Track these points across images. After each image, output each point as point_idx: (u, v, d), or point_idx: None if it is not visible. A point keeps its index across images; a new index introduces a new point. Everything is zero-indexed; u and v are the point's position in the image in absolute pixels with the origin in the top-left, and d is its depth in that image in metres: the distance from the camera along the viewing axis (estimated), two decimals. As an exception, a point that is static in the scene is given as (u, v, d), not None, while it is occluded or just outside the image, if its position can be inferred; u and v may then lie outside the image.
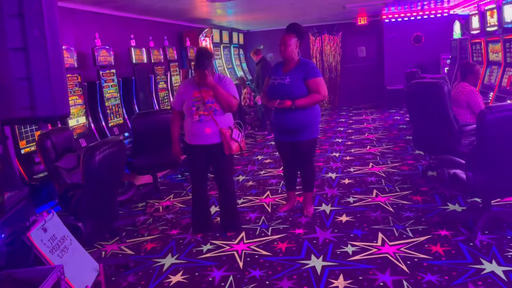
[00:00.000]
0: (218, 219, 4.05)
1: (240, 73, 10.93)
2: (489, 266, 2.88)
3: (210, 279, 3.03)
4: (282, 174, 4.26)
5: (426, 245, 3.26)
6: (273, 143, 6.12)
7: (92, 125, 5.01)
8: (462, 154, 3.73)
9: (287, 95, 3.64)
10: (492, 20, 6.26)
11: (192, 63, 3.52)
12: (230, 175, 3.79)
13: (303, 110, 3.68)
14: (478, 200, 3.96)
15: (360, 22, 10.53)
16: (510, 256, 2.99)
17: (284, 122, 3.76)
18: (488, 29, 6.46)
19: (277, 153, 4.19)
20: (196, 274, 3.11)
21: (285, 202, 4.31)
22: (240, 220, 3.92)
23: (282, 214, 4.10)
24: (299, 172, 4.12)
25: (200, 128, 3.53)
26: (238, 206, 4.05)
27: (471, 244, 3.22)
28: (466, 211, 3.89)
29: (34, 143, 3.87)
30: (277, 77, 3.76)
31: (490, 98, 5.81)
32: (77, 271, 2.17)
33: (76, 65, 4.74)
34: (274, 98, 3.71)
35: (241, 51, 11.87)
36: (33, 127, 4.01)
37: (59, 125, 4.16)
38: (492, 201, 3.54)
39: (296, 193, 4.31)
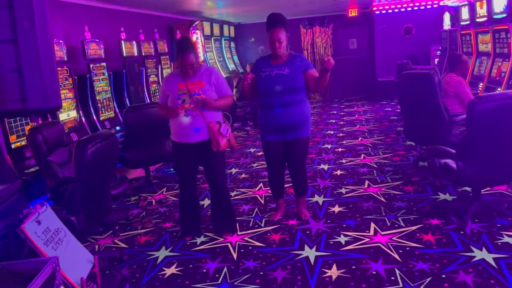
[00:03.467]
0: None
1: (231, 66, 10.89)
2: (479, 254, 2.93)
3: (204, 271, 3.04)
4: (268, 181, 3.89)
5: (418, 234, 3.30)
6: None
7: (83, 119, 4.98)
8: (452, 144, 3.77)
9: (288, 85, 3.43)
10: (481, 11, 6.30)
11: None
12: (223, 173, 3.55)
13: (299, 107, 3.50)
14: (468, 189, 4.00)
15: (351, 14, 10.55)
16: (500, 244, 3.04)
17: (279, 118, 3.47)
18: (477, 20, 6.51)
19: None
20: (190, 266, 3.13)
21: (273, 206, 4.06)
22: (235, 219, 3.69)
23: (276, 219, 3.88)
24: (290, 177, 3.82)
25: (189, 125, 3.30)
26: (231, 199, 3.96)
27: (461, 232, 3.26)
28: (457, 200, 3.94)
29: (25, 138, 3.84)
30: (272, 69, 3.50)
31: (480, 89, 5.87)
32: (72, 263, 2.17)
33: (65, 59, 4.70)
34: (272, 89, 3.45)
35: (232, 44, 11.82)
36: (23, 122, 3.97)
37: (50, 119, 4.13)
38: (482, 190, 3.59)
39: (286, 186, 4.22)
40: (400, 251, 3.07)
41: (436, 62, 9.10)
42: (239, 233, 3.61)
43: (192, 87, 3.29)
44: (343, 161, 5.50)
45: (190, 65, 3.25)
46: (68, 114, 4.72)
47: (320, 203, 4.12)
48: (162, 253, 3.36)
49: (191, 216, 3.60)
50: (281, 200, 3.90)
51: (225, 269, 3.04)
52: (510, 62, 5.21)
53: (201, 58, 9.32)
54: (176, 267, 3.12)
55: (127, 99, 5.91)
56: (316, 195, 4.32)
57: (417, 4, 10.06)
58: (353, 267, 2.91)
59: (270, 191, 3.99)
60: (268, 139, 3.62)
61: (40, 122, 3.88)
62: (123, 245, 3.58)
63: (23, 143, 3.88)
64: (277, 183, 3.80)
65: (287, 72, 3.45)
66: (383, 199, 4.07)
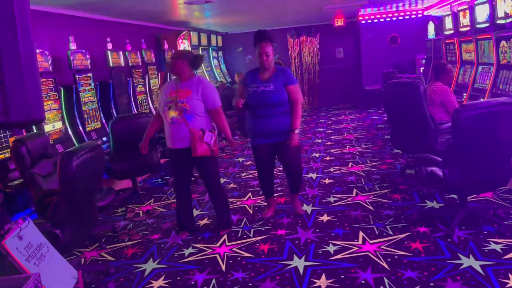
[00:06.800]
0: (200, 222, 4.04)
1: (219, 75, 10.90)
2: (466, 261, 2.94)
3: (193, 282, 3.00)
4: (259, 182, 4.16)
5: (406, 242, 3.31)
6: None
7: (69, 130, 4.92)
8: (438, 152, 3.80)
9: (273, 101, 3.67)
10: (464, 20, 6.42)
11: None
12: (215, 175, 3.75)
13: (284, 116, 3.74)
14: (455, 196, 4.04)
15: (337, 23, 10.66)
16: (486, 251, 3.06)
17: (266, 127, 3.74)
18: (461, 29, 6.62)
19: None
20: (178, 278, 3.09)
21: (266, 204, 4.29)
22: (231, 218, 3.96)
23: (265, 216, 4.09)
24: (286, 176, 4.11)
25: (174, 131, 3.50)
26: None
27: (449, 240, 3.28)
28: (444, 208, 3.97)
29: (8, 150, 3.77)
30: (258, 85, 3.73)
31: (464, 97, 5.95)
32: (55, 279, 2.12)
33: (51, 69, 4.65)
34: (259, 105, 3.71)
35: (220, 54, 11.84)
36: (7, 133, 3.91)
37: (34, 131, 4.07)
38: (468, 197, 3.62)
39: (275, 195, 4.29)
40: (389, 259, 3.07)
41: (421, 71, 9.22)
42: (227, 243, 3.58)
43: (181, 94, 3.46)
44: (331, 169, 5.51)
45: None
46: (53, 125, 4.66)
47: (309, 212, 4.11)
48: (149, 266, 3.31)
49: (185, 215, 3.81)
50: (271, 198, 4.15)
51: (214, 280, 3.00)
52: (493, 71, 5.29)
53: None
54: (163, 280, 3.08)
55: (113, 110, 5.86)
56: (304, 204, 4.31)
57: (402, 14, 10.22)
58: (342, 276, 2.90)
59: (261, 192, 4.24)
60: (256, 143, 3.87)
61: (24, 133, 3.82)
62: (109, 258, 3.52)
63: (7, 155, 3.81)
64: (267, 183, 4.07)
65: (272, 89, 3.70)
66: (371, 208, 4.08)
